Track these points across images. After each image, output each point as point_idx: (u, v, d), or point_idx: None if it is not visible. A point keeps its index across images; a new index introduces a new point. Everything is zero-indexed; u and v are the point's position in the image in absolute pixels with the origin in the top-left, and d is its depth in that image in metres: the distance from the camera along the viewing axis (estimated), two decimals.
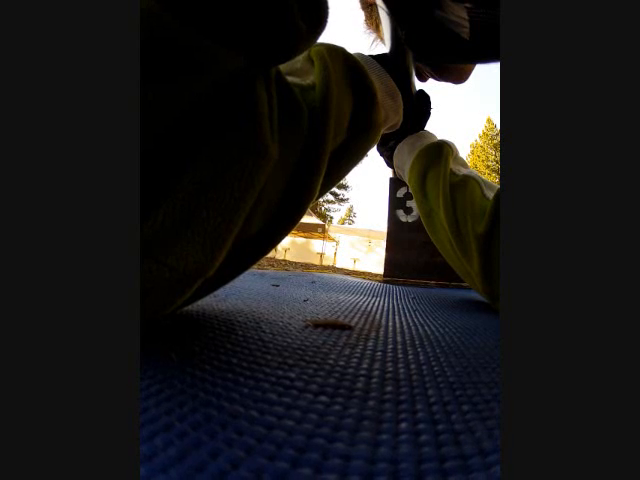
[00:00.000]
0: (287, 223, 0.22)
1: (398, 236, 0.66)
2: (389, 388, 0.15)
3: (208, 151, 0.15)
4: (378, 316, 0.30)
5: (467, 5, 0.33)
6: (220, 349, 0.19)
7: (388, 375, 0.17)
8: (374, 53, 0.35)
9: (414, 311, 0.34)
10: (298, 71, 0.25)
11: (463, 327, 0.27)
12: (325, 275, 0.70)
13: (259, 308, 0.30)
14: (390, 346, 0.21)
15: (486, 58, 0.41)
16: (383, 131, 0.34)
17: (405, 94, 0.34)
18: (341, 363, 0.17)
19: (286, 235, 0.23)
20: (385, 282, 0.64)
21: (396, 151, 0.46)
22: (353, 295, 0.43)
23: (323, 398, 0.14)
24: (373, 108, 0.28)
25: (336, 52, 0.26)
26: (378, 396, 0.14)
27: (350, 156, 0.27)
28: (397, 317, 0.30)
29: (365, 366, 0.17)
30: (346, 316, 0.29)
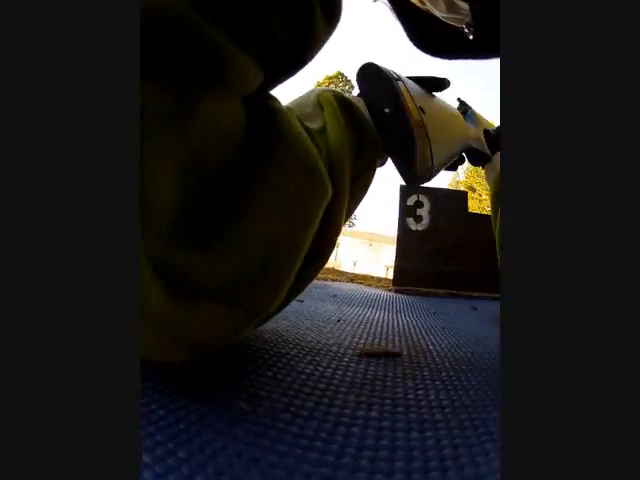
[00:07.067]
0: (320, 260, 0.23)
1: (408, 244, 0.68)
2: (463, 416, 0.17)
3: (273, 190, 0.17)
4: (414, 337, 0.32)
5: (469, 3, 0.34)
6: (290, 391, 0.20)
7: (456, 403, 0.19)
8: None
9: (442, 329, 0.36)
10: (308, 115, 0.26)
11: (496, 346, 0.30)
12: (342, 286, 0.71)
13: (299, 333, 0.31)
14: (443, 373, 0.23)
15: (488, 54, 0.41)
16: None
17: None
18: (411, 396, 0.19)
19: (318, 272, 0.24)
20: (396, 291, 0.67)
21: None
22: (378, 311, 0.45)
23: (415, 434, 0.15)
24: (374, 151, 0.29)
25: (343, 100, 0.28)
26: (457, 425, 0.16)
27: (356, 194, 0.29)
28: (431, 337, 0.32)
29: (432, 397, 0.19)
30: (385, 338, 0.31)
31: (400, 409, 0.18)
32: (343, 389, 0.20)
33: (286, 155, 0.18)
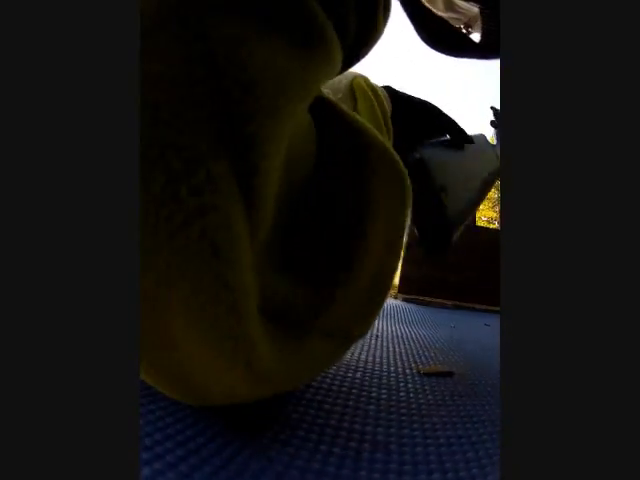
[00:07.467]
0: None
1: (414, 252, 0.73)
2: None
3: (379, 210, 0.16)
4: (452, 354, 0.37)
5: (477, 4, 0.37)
6: (380, 421, 0.24)
7: None
8: None
9: (466, 343, 0.42)
10: (339, 101, 0.28)
11: None
12: None
13: (349, 351, 0.35)
14: (497, 390, 0.28)
15: (494, 55, 0.45)
16: None
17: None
18: (481, 412, 0.24)
19: None
20: (404, 300, 0.72)
21: None
22: (403, 324, 0.50)
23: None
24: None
25: (375, 90, 0.30)
26: None
27: None
28: (466, 354, 0.38)
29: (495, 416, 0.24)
30: (428, 356, 0.35)
31: (477, 425, 0.22)
32: (424, 412, 0.24)
33: (380, 164, 0.17)
